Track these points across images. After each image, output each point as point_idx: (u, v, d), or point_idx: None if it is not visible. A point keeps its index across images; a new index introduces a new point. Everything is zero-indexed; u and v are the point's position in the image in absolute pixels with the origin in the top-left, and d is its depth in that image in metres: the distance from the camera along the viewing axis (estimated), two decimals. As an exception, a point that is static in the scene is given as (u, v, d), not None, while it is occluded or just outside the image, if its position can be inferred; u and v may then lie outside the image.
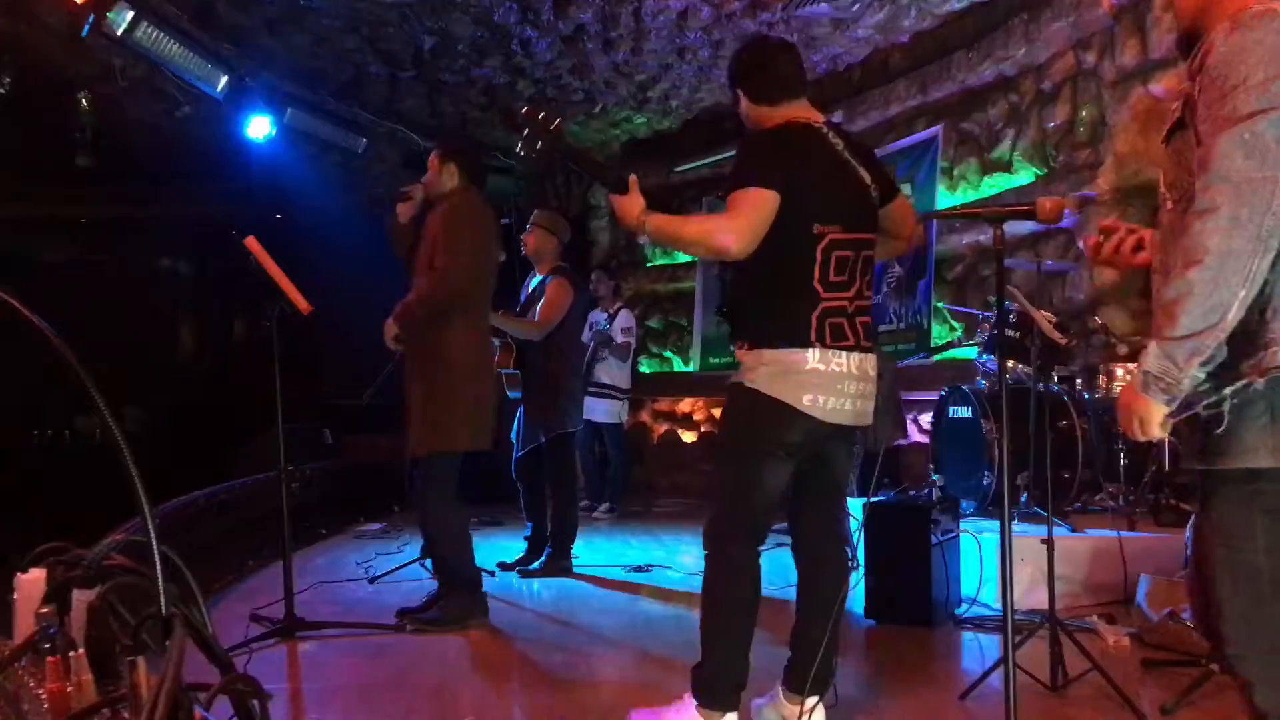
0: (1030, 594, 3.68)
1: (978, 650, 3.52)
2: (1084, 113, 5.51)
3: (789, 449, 2.48)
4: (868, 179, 2.56)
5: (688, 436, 9.09)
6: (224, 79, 6.02)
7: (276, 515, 3.80)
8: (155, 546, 0.92)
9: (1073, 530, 4.11)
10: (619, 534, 6.39)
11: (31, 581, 1.16)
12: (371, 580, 4.77)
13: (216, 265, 7.60)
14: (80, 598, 1.10)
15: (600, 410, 7.08)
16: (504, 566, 5.02)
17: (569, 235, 5.33)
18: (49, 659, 1.01)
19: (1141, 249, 1.87)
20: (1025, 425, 3.74)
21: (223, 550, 4.98)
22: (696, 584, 2.62)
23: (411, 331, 3.81)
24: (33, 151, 6.12)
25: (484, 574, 4.13)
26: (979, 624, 3.78)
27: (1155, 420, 1.58)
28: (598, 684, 3.25)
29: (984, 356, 4.92)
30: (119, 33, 5.18)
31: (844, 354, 2.46)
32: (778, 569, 3.24)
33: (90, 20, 5.14)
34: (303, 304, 3.60)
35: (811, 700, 2.57)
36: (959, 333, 5.80)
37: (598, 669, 3.43)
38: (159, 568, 0.92)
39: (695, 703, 2.52)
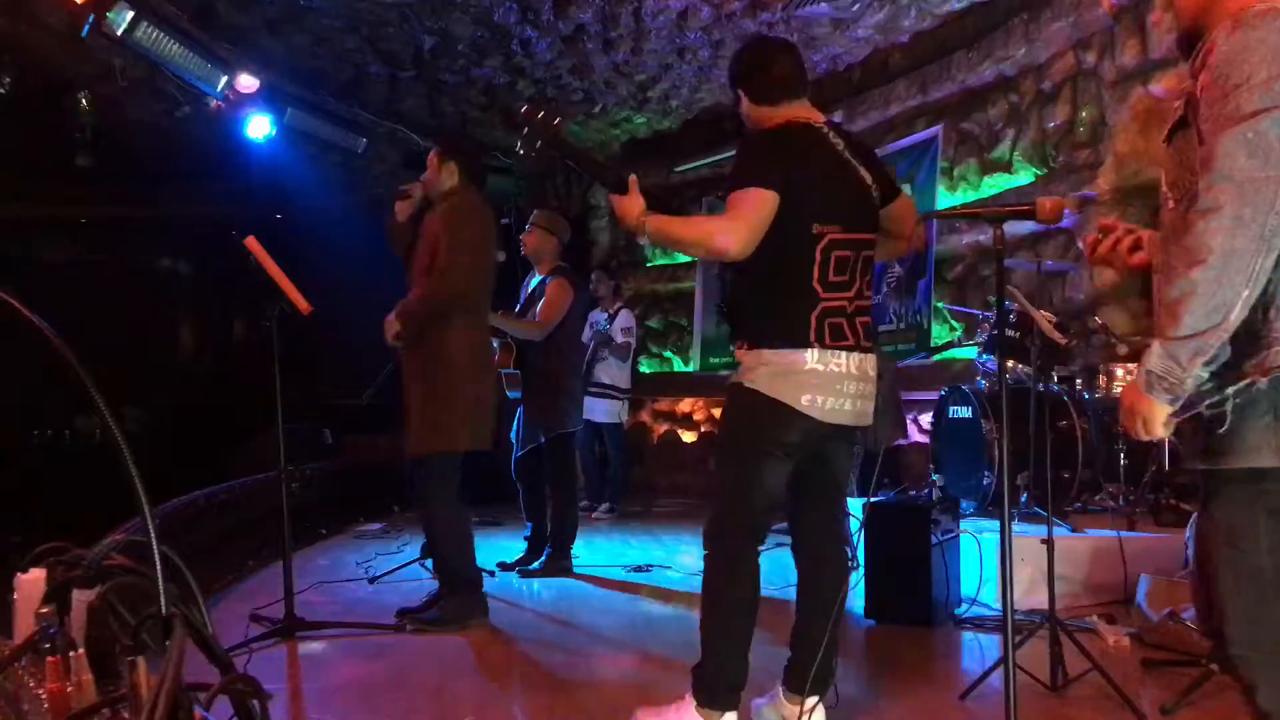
0: (1030, 594, 3.68)
1: (978, 650, 3.52)
2: (1084, 113, 5.51)
3: (788, 449, 2.48)
4: (868, 179, 2.56)
5: (688, 436, 9.09)
6: (224, 79, 6.02)
7: (276, 515, 3.80)
8: (155, 546, 0.92)
9: (1073, 530, 4.11)
10: (619, 534, 6.39)
11: (31, 581, 1.16)
12: (371, 580, 4.77)
13: (216, 265, 7.60)
14: (80, 598, 1.10)
15: (600, 410, 7.08)
16: (504, 566, 5.02)
17: (569, 235, 5.33)
18: (49, 659, 1.00)
19: (1139, 249, 1.87)
20: (1025, 425, 3.74)
21: (223, 550, 4.98)
22: (696, 584, 2.62)
23: (412, 330, 3.81)
24: (33, 151, 6.12)
25: (484, 574, 4.13)
26: (979, 624, 3.79)
27: (1159, 420, 1.57)
28: (598, 684, 3.24)
29: (984, 356, 4.92)
30: (119, 33, 5.18)
31: (843, 354, 2.46)
32: (778, 569, 3.24)
33: (90, 20, 5.13)
34: (303, 304, 3.60)
35: (811, 700, 2.57)
36: (959, 333, 5.80)
37: (598, 669, 3.43)
38: (159, 568, 0.92)
39: (694, 702, 2.52)
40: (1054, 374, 4.70)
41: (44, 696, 0.99)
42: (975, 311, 5.34)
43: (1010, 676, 2.01)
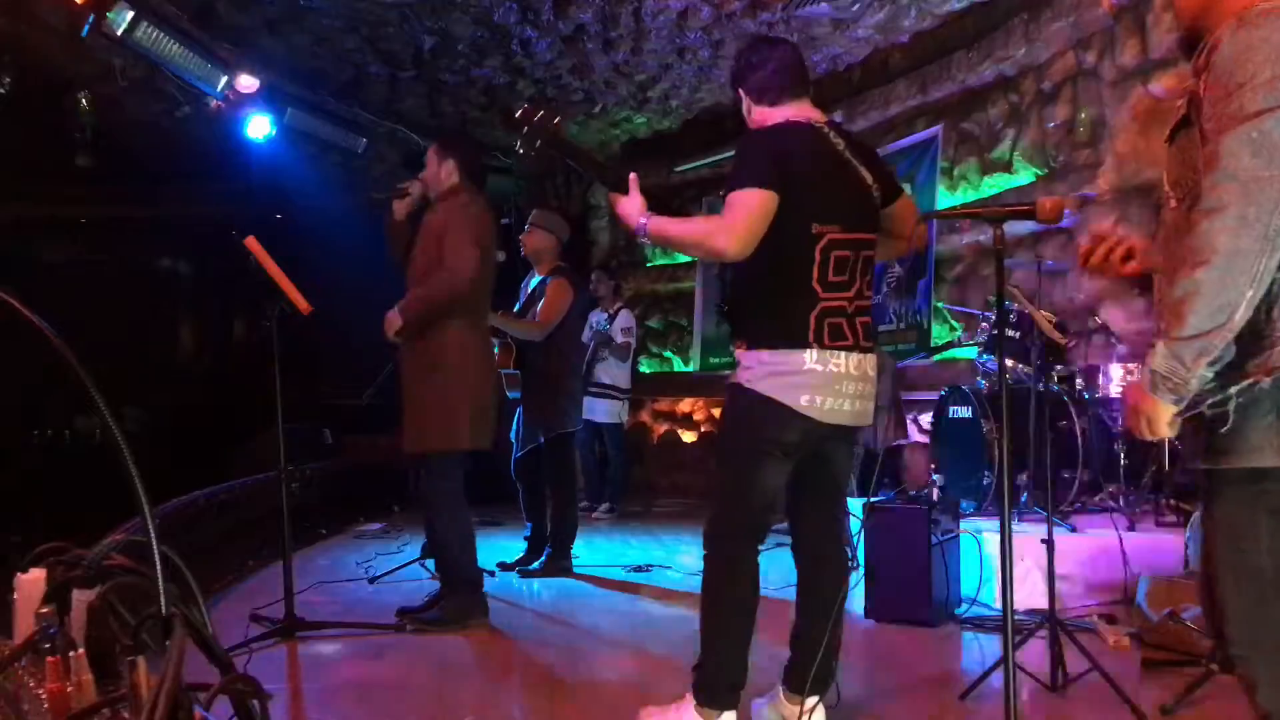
0: (1030, 594, 3.68)
1: (978, 650, 3.52)
2: (1084, 113, 5.51)
3: (786, 449, 2.48)
4: (869, 179, 2.55)
5: (688, 436, 9.09)
6: (224, 79, 6.02)
7: (276, 515, 3.80)
8: (155, 546, 0.92)
9: (1073, 530, 4.11)
10: (619, 534, 6.40)
11: (31, 581, 1.16)
12: (371, 580, 4.77)
13: (216, 265, 7.59)
14: (80, 598, 1.10)
15: (600, 410, 7.08)
16: (504, 566, 5.02)
17: (568, 235, 5.33)
18: (49, 659, 1.00)
19: (1131, 258, 1.87)
20: (1025, 425, 3.74)
21: (223, 550, 4.98)
22: (696, 584, 2.62)
23: (414, 327, 3.80)
24: (33, 151, 6.12)
25: (484, 574, 4.13)
26: (979, 624, 3.78)
27: (1163, 420, 1.57)
28: (598, 684, 3.25)
29: (984, 356, 4.92)
30: (119, 33, 5.18)
31: (842, 354, 2.45)
32: (778, 569, 3.24)
33: (90, 20, 5.13)
34: (303, 304, 3.60)
35: (811, 700, 2.57)
36: (959, 333, 5.80)
37: (598, 669, 3.43)
38: (159, 568, 0.92)
39: (694, 701, 2.52)
40: (1054, 374, 4.70)
41: (44, 696, 0.99)
42: (975, 311, 5.34)
43: (1010, 676, 2.01)
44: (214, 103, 6.00)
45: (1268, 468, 1.55)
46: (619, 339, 7.21)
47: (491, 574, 4.64)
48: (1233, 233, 1.47)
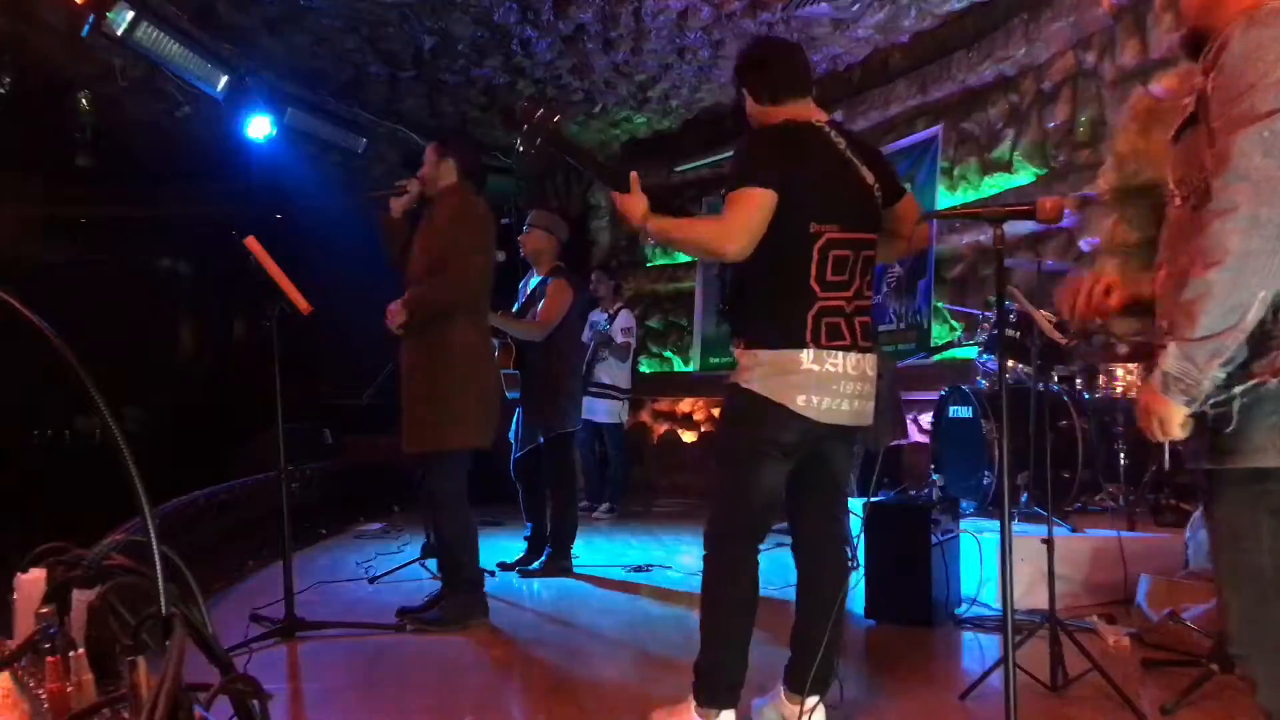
0: (1030, 594, 3.68)
1: (978, 650, 3.52)
2: (1084, 113, 5.51)
3: (784, 449, 2.48)
4: (870, 179, 2.55)
5: (688, 436, 9.09)
6: (224, 79, 6.02)
7: (276, 515, 3.80)
8: (155, 546, 0.92)
9: (1073, 530, 4.11)
10: (619, 534, 6.40)
11: (31, 581, 1.16)
12: (371, 580, 4.77)
13: (216, 265, 7.59)
14: (80, 598, 1.10)
15: (600, 410, 7.08)
16: (504, 566, 5.02)
17: (567, 235, 5.32)
18: (49, 659, 1.00)
19: (1111, 292, 1.88)
20: (1025, 425, 3.74)
21: (223, 550, 4.98)
22: (696, 584, 2.62)
23: (416, 321, 3.79)
24: (33, 151, 6.11)
25: (484, 574, 4.13)
26: (979, 624, 3.78)
27: (1175, 421, 1.56)
28: (598, 684, 3.25)
29: (984, 356, 4.92)
30: (119, 33, 5.18)
31: (840, 354, 2.45)
32: (778, 569, 3.24)
33: (90, 20, 5.14)
34: (303, 304, 3.60)
35: (812, 700, 2.57)
36: (959, 333, 5.80)
37: (598, 669, 3.43)
38: (159, 568, 0.92)
39: (694, 701, 2.52)
40: (1054, 374, 4.70)
41: (44, 696, 0.99)
42: (975, 311, 5.34)
43: (1010, 676, 2.01)
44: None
45: (1269, 468, 1.54)
46: (619, 339, 7.21)
47: (491, 574, 4.64)
48: (1244, 233, 1.46)
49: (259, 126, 6.56)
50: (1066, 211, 3.33)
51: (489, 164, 7.88)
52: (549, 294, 4.95)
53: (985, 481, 4.51)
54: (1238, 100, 1.50)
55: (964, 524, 4.14)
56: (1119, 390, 4.46)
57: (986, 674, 2.97)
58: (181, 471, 5.22)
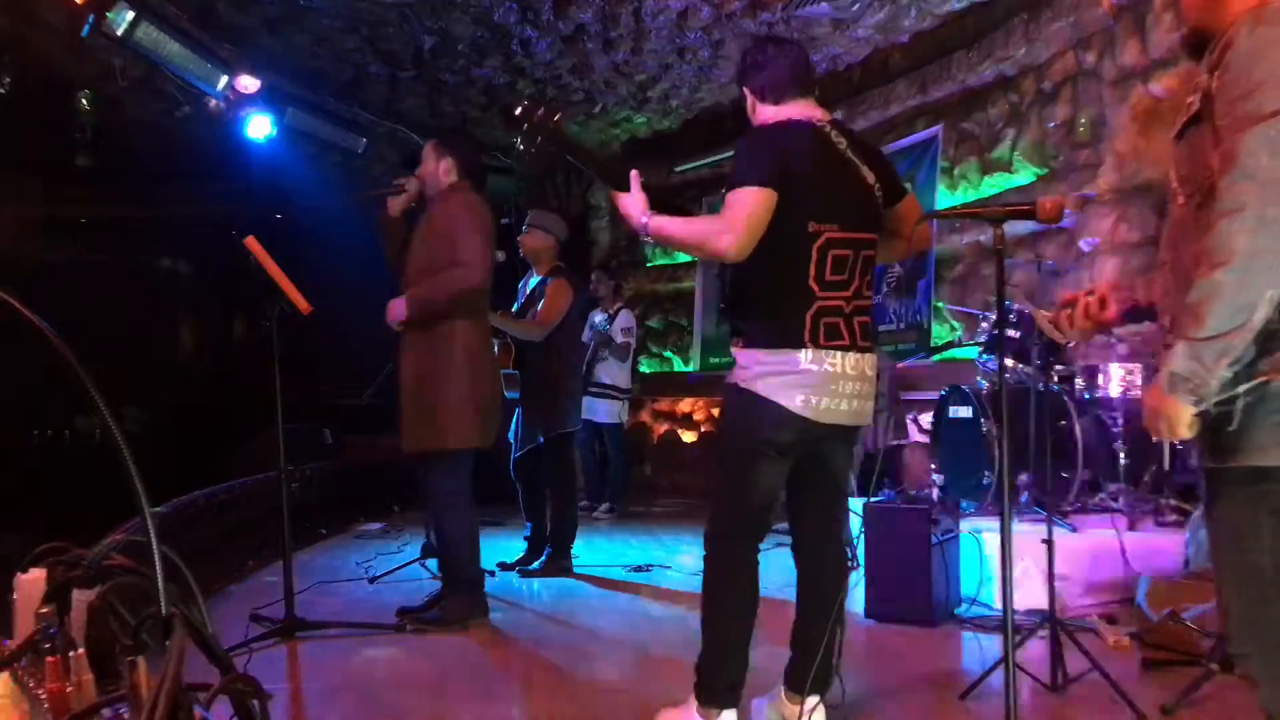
0: (1030, 594, 3.68)
1: (978, 650, 3.52)
2: (1084, 113, 5.51)
3: (783, 449, 2.48)
4: (871, 179, 2.55)
5: (688, 436, 9.09)
6: (224, 79, 6.02)
7: (276, 515, 3.80)
8: (155, 546, 0.92)
9: (1073, 530, 4.11)
10: (619, 534, 6.40)
11: (31, 581, 1.16)
12: (371, 580, 4.77)
13: (216, 265, 7.59)
14: (80, 598, 1.10)
15: (600, 410, 7.08)
16: (504, 566, 5.02)
17: (566, 235, 5.32)
18: (49, 659, 1.00)
19: (1106, 305, 1.88)
20: (1025, 425, 3.73)
21: (223, 550, 4.98)
22: (696, 584, 2.62)
23: (419, 319, 3.79)
24: (33, 151, 6.12)
25: (485, 574, 4.12)
26: (979, 624, 3.78)
27: (1183, 421, 1.55)
28: (598, 684, 3.25)
29: (984, 356, 4.92)
30: (119, 33, 5.18)
31: (838, 354, 2.45)
32: (778, 569, 3.23)
33: (90, 20, 5.13)
34: (303, 304, 3.60)
35: (812, 700, 2.57)
36: (959, 333, 5.80)
37: (598, 669, 3.44)
38: (159, 568, 0.92)
39: (695, 701, 2.52)
40: (1054, 374, 4.70)
41: (44, 696, 0.99)
42: (975, 311, 5.34)
43: (1010, 676, 2.01)
44: (214, 102, 6.00)
45: (1270, 467, 1.54)
46: (619, 339, 7.21)
47: (492, 574, 4.64)
48: (1252, 233, 1.46)
49: (259, 126, 6.56)
50: (1066, 211, 3.33)
51: (489, 164, 7.88)
52: (548, 294, 4.95)
53: (985, 481, 4.51)
54: (1244, 99, 1.50)
55: (964, 524, 4.14)
56: (1119, 390, 4.46)
57: (986, 674, 2.97)
58: (181, 471, 5.22)
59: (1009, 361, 4.54)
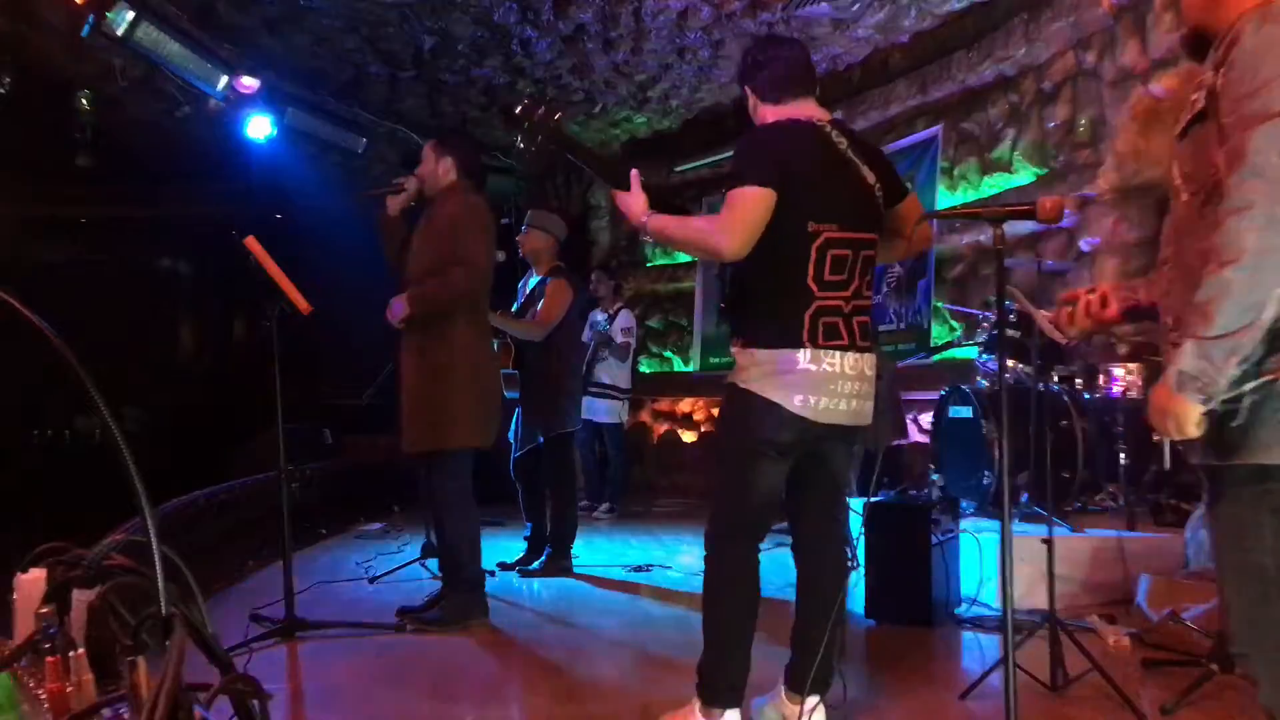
0: (1030, 594, 3.68)
1: (978, 650, 3.52)
2: (1084, 113, 5.51)
3: (782, 449, 2.48)
4: (871, 179, 2.55)
5: (688, 436, 9.09)
6: (224, 79, 6.02)
7: (276, 515, 3.80)
8: (155, 546, 0.92)
9: (1073, 530, 4.11)
10: (619, 534, 6.39)
11: (31, 581, 1.16)
12: (371, 580, 4.77)
13: (216, 265, 7.60)
14: (80, 598, 1.10)
15: (601, 410, 7.08)
16: (504, 566, 5.02)
17: (565, 235, 5.31)
18: (49, 659, 1.00)
19: (1107, 304, 1.87)
20: (1025, 425, 3.73)
21: (223, 550, 4.98)
22: (696, 584, 2.62)
23: (421, 317, 3.79)
24: (33, 151, 6.12)
25: (485, 574, 4.12)
26: (979, 624, 3.78)
27: (1191, 420, 1.55)
28: (598, 684, 3.25)
29: (984, 356, 4.92)
30: (119, 33, 5.18)
31: (837, 354, 2.45)
32: (778, 569, 3.24)
33: (90, 20, 5.14)
34: (303, 304, 3.60)
35: (812, 700, 2.57)
36: (959, 333, 5.80)
37: (598, 669, 3.43)
38: (159, 568, 0.92)
39: (698, 701, 2.52)
40: (1054, 374, 4.70)
41: (44, 696, 0.99)
42: (975, 311, 5.34)
43: (1010, 676, 2.01)
44: (213, 102, 6.01)
45: (1274, 465, 1.54)
46: (619, 339, 7.21)
47: (492, 574, 4.64)
48: (1261, 231, 1.45)
49: (259, 126, 6.56)
50: (1066, 211, 3.33)
51: (489, 164, 7.88)
52: (548, 294, 4.95)
53: (985, 481, 4.51)
54: (1251, 97, 1.50)
55: (964, 524, 4.14)
56: (1119, 390, 4.46)
57: (986, 674, 2.97)
58: (181, 471, 5.22)
59: (1009, 361, 4.54)
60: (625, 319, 7.39)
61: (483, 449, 3.90)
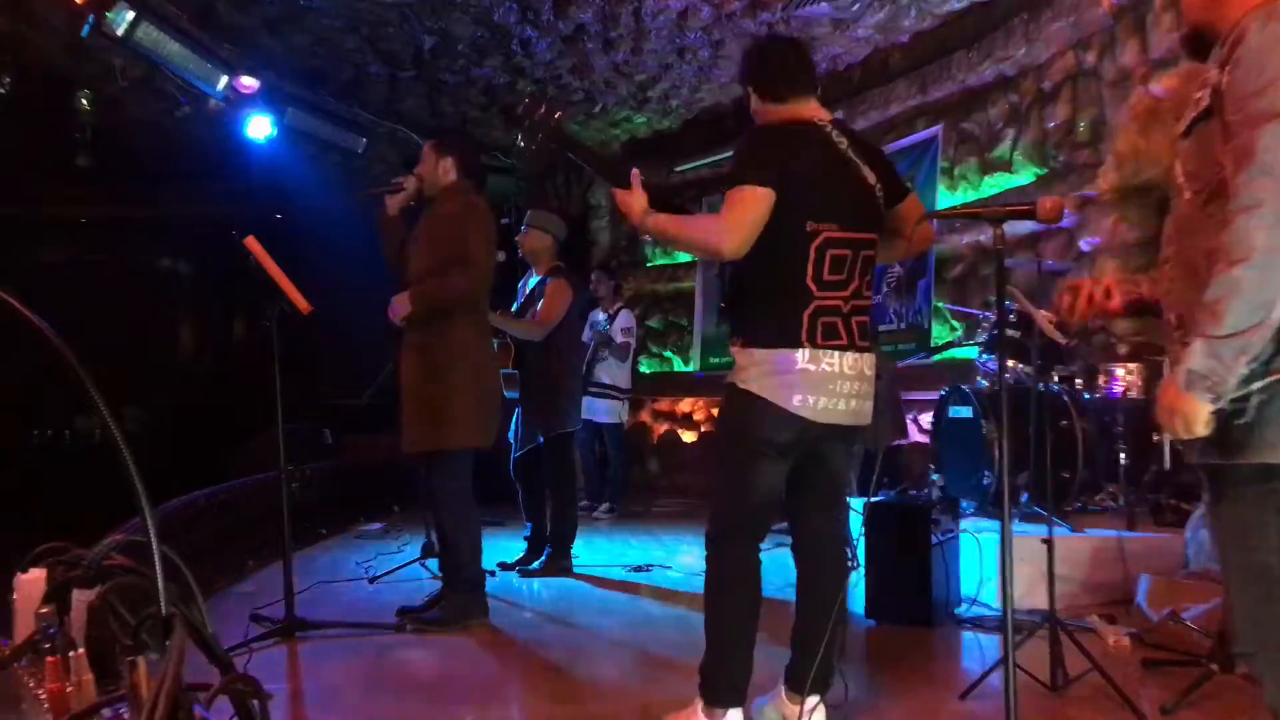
0: (1030, 594, 3.68)
1: (978, 650, 3.52)
2: (1084, 113, 5.51)
3: (780, 449, 2.48)
4: (872, 179, 2.55)
5: (688, 436, 9.09)
6: (224, 79, 6.02)
7: (276, 515, 3.80)
8: (155, 546, 0.92)
9: (1073, 530, 4.11)
10: (619, 534, 6.39)
11: (31, 581, 1.16)
12: (371, 580, 4.77)
13: (216, 265, 7.60)
14: (80, 598, 1.10)
15: (601, 410, 7.08)
16: (504, 566, 5.02)
17: (564, 234, 5.31)
18: (49, 659, 1.00)
19: (1111, 296, 1.87)
20: (1025, 425, 3.73)
21: (223, 550, 4.98)
22: (697, 584, 2.62)
23: (423, 316, 3.79)
24: (33, 151, 6.12)
25: (485, 574, 4.12)
26: (979, 624, 3.78)
27: (1200, 419, 1.54)
28: (598, 684, 3.25)
29: (984, 356, 4.91)
30: (119, 33, 5.19)
31: (835, 354, 2.44)
32: (778, 569, 3.23)
33: (90, 20, 5.14)
34: (303, 304, 3.60)
35: (812, 700, 2.57)
36: (959, 333, 5.80)
37: (598, 669, 3.43)
38: (159, 568, 0.92)
39: (701, 702, 2.52)
40: (1054, 374, 4.70)
41: (44, 696, 0.99)
42: (975, 311, 5.34)
43: (1010, 676, 2.01)
44: (213, 102, 6.01)
45: (1278, 465, 1.54)
46: (619, 339, 7.21)
47: (492, 574, 4.64)
48: (1270, 229, 1.45)
49: (259, 126, 6.56)
50: (1066, 211, 3.33)
51: (489, 164, 7.88)
52: (548, 294, 4.94)
53: (985, 481, 4.51)
54: (1258, 96, 1.49)
55: (964, 524, 4.14)
56: (1119, 390, 4.46)
57: (986, 674, 2.97)
58: (181, 471, 5.22)
59: (1009, 361, 4.54)
60: (625, 319, 7.39)
61: (483, 449, 3.91)
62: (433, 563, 4.65)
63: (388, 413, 4.60)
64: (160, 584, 0.92)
